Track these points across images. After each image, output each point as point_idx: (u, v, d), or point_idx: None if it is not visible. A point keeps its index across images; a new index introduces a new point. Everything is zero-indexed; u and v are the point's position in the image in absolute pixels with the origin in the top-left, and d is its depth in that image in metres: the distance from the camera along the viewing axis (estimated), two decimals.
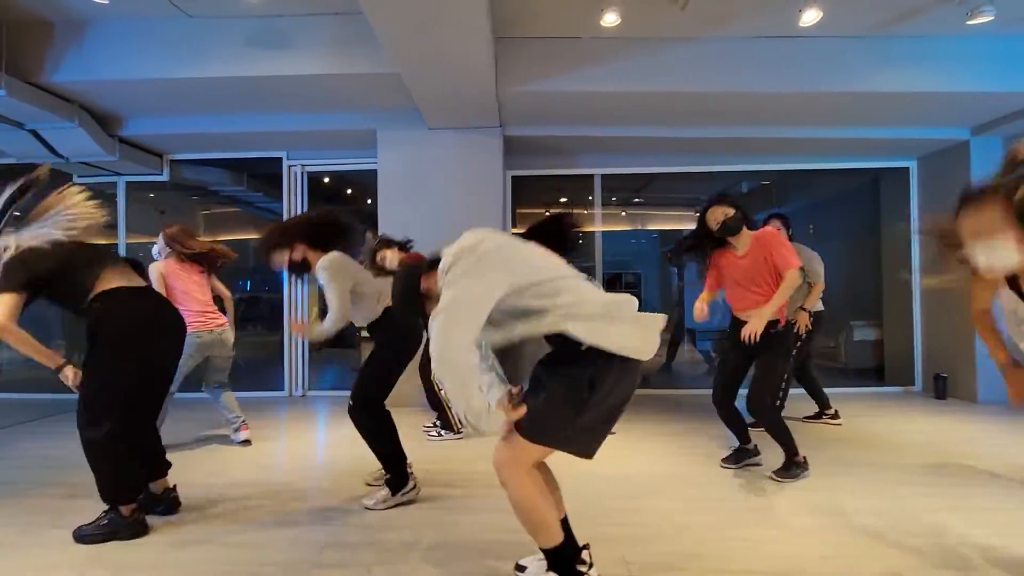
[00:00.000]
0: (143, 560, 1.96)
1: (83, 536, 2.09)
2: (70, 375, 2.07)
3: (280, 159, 5.36)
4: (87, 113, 4.39)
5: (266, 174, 5.66)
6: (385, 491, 2.45)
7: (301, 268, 2.50)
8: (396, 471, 2.47)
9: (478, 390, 1.44)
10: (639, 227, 8.59)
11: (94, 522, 2.11)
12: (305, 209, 5.41)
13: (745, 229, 2.76)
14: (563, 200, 6.90)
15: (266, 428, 3.93)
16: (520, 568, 1.79)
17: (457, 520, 2.27)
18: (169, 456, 2.46)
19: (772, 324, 2.70)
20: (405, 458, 2.51)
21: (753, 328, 2.60)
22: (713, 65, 3.99)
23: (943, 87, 4.00)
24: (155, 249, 3.41)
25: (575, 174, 5.55)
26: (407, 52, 3.29)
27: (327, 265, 2.41)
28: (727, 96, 4.13)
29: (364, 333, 2.69)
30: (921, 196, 5.29)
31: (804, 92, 4.06)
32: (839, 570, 1.84)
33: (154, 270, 3.24)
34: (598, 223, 5.61)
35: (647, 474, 2.87)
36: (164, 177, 5.40)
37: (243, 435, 3.46)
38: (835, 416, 3.92)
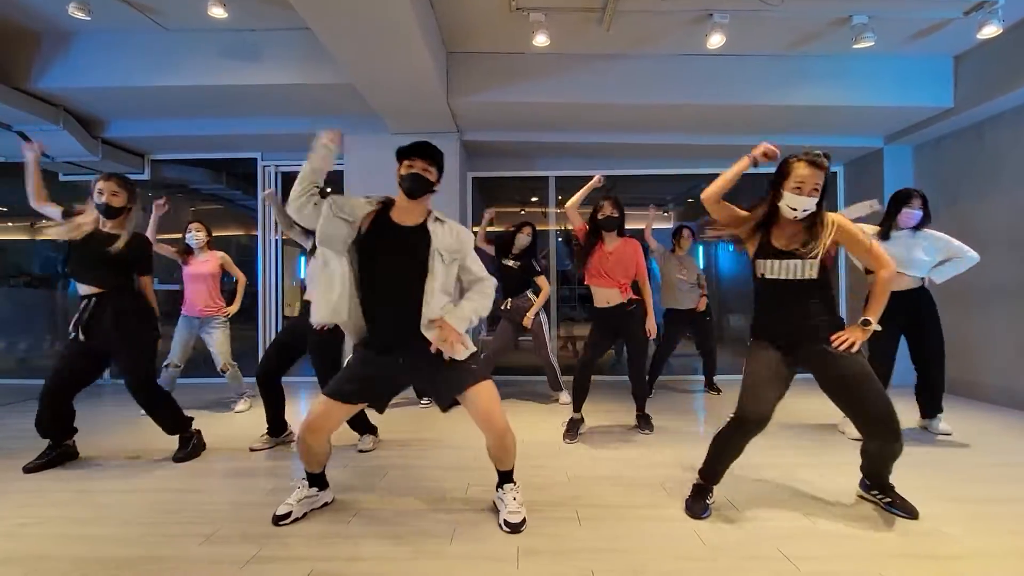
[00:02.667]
0: (117, 501, 2.36)
1: (181, 459, 2.89)
2: None
3: (255, 160, 5.72)
4: (71, 116, 4.72)
5: (244, 173, 5.99)
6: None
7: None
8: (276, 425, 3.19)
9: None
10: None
11: (181, 449, 2.92)
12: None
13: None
14: (534, 199, 7.31)
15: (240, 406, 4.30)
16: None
17: (413, 464, 2.68)
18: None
19: (630, 303, 3.33)
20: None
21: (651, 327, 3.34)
22: (643, 79, 4.39)
23: (853, 101, 4.44)
24: (190, 238, 4.18)
25: (533, 176, 5.95)
26: (358, 66, 3.64)
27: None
28: (657, 108, 4.53)
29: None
30: (848, 197, 5.74)
31: (731, 105, 4.47)
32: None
33: (221, 258, 4.19)
34: (552, 222, 6.02)
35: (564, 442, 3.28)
36: (145, 176, 5.73)
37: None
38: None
